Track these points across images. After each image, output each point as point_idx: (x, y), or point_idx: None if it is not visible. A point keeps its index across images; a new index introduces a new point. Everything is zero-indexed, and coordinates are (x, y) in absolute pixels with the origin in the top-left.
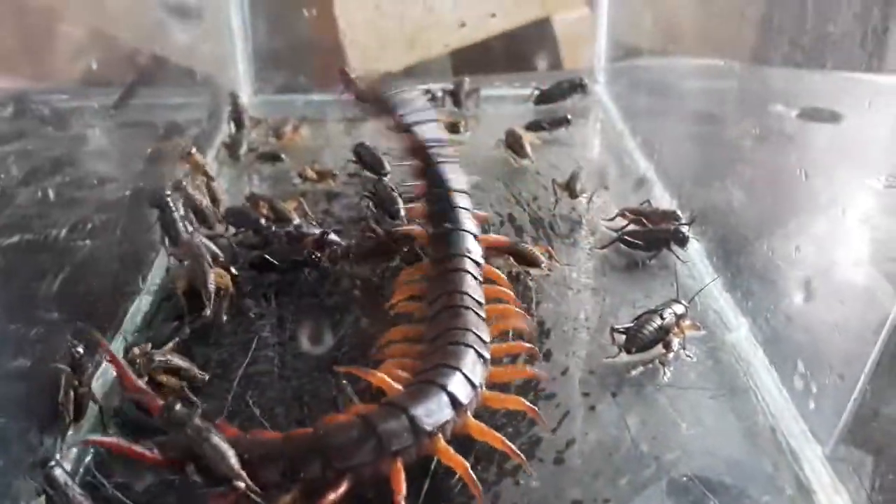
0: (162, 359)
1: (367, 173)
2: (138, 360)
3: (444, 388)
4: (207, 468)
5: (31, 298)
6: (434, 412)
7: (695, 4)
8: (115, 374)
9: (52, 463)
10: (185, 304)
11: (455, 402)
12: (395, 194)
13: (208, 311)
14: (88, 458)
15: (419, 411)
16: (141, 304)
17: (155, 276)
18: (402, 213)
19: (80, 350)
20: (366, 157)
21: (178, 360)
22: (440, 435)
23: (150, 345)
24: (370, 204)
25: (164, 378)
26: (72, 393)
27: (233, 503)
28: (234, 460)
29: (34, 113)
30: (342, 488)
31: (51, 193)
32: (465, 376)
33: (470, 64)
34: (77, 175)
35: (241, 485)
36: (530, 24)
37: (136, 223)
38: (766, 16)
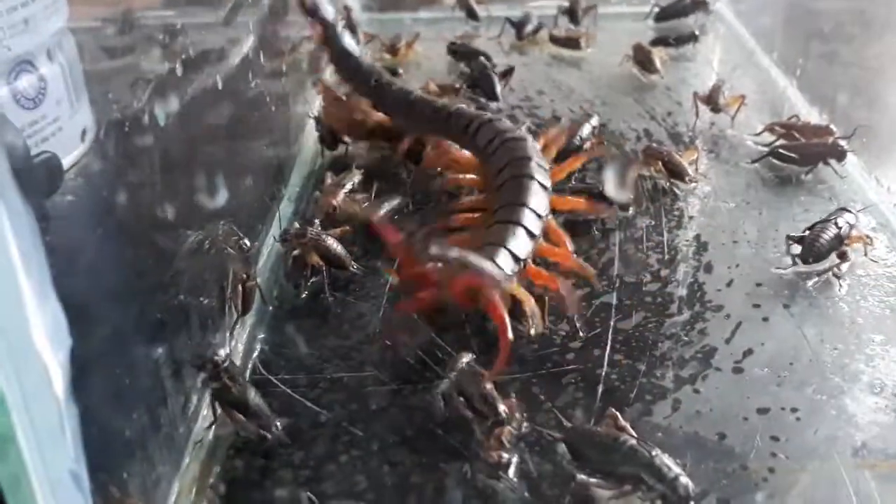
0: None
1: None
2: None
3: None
4: None
5: (184, 205)
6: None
7: None
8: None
9: (220, 356)
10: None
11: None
12: (493, 74)
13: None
14: (255, 355)
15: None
16: (284, 210)
17: (294, 185)
18: (500, 92)
19: (247, 243)
20: (461, 50)
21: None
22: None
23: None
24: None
25: (315, 259)
26: (240, 287)
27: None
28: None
29: (142, 29)
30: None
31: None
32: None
33: None
34: (199, 87)
35: None
36: None
37: (270, 133)
38: None
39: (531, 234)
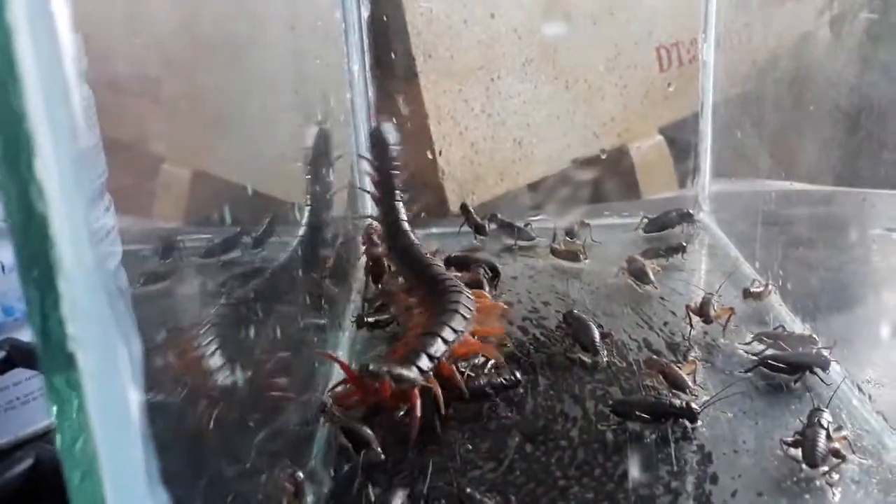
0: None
1: None
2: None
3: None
4: None
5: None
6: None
7: (792, 134)
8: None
9: None
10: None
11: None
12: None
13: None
14: None
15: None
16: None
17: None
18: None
19: (301, 475)
20: (458, 261)
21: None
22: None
23: None
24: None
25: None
26: None
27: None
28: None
29: (181, 250)
30: None
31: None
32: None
33: (550, 192)
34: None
35: None
36: (608, 153)
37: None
38: (860, 140)
39: (446, 342)
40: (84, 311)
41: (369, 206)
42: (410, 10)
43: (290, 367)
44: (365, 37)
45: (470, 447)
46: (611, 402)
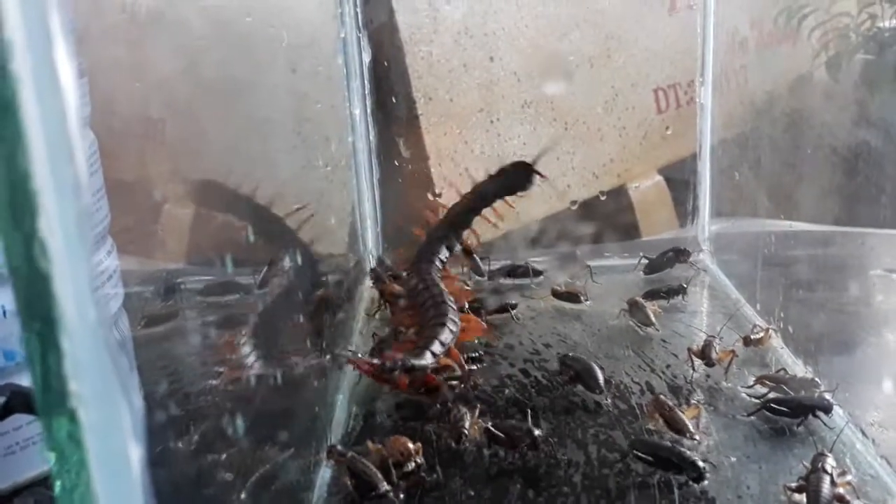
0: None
1: None
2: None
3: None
4: None
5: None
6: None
7: (790, 174)
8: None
9: None
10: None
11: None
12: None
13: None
14: None
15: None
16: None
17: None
18: None
19: None
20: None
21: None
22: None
23: None
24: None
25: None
26: None
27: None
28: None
29: (183, 291)
30: None
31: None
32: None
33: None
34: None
35: None
36: (607, 194)
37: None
38: (858, 181)
39: (443, 344)
40: (86, 367)
41: (370, 245)
42: (411, 55)
43: (290, 412)
44: (366, 81)
45: (472, 493)
46: (632, 437)
